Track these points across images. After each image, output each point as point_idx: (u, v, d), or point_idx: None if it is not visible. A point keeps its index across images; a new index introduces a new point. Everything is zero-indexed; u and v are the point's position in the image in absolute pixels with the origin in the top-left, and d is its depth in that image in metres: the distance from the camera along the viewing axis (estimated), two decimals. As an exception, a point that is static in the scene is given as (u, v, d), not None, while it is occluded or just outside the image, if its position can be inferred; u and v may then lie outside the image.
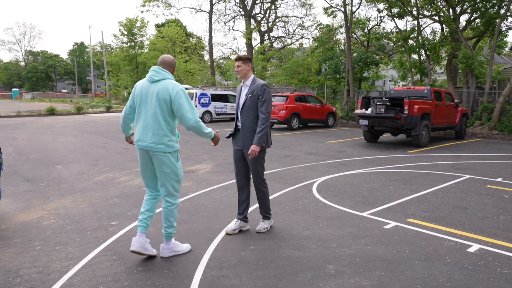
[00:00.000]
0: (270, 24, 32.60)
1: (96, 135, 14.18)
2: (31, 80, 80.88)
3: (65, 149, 10.66)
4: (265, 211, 4.47)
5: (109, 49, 58.00)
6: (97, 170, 7.84)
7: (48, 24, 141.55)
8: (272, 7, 32.18)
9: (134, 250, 3.57)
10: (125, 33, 43.50)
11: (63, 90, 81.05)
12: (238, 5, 32.02)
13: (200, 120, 3.59)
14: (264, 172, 7.43)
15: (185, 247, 3.84)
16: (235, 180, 4.58)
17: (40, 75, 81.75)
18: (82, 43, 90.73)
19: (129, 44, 44.42)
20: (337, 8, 21.45)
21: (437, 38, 19.84)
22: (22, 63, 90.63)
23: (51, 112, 26.26)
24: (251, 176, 4.44)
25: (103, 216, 4.92)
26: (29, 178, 7.05)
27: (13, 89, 65.54)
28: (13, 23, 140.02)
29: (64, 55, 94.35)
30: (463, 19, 19.78)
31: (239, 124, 4.34)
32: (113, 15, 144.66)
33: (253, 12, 32.41)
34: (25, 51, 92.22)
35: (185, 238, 4.16)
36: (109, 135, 13.96)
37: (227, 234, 4.33)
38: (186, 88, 24.46)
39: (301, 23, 32.58)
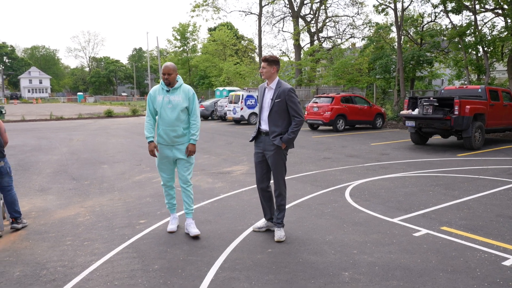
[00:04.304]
0: (320, 24, 32.14)
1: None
2: (94, 84, 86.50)
3: (113, 149, 11.24)
4: (282, 219, 4.31)
5: (164, 54, 60.38)
6: (138, 170, 8.18)
7: (110, 31, 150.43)
8: (322, 7, 31.69)
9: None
10: (178, 37, 45.11)
11: (123, 94, 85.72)
12: (287, 6, 31.92)
13: (147, 121, 4.42)
14: (298, 175, 7.40)
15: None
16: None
17: (102, 80, 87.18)
18: (140, 49, 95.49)
19: (182, 48, 45.98)
20: (387, 5, 20.67)
21: (496, 33, 18.41)
22: (87, 69, 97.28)
23: (109, 114, 27.85)
24: (271, 180, 4.39)
25: (134, 215, 5.12)
26: (75, 177, 7.52)
27: (78, 93, 70.53)
28: (79, 32, 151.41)
29: (124, 60, 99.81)
30: (528, 12, 18.15)
31: (262, 127, 4.27)
32: (169, 21, 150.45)
33: (302, 13, 32.12)
34: (89, 57, 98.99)
35: (205, 239, 4.21)
36: (157, 136, 14.48)
37: (253, 230, 4.43)
38: (233, 90, 24.84)
39: (352, 21, 31.74)
